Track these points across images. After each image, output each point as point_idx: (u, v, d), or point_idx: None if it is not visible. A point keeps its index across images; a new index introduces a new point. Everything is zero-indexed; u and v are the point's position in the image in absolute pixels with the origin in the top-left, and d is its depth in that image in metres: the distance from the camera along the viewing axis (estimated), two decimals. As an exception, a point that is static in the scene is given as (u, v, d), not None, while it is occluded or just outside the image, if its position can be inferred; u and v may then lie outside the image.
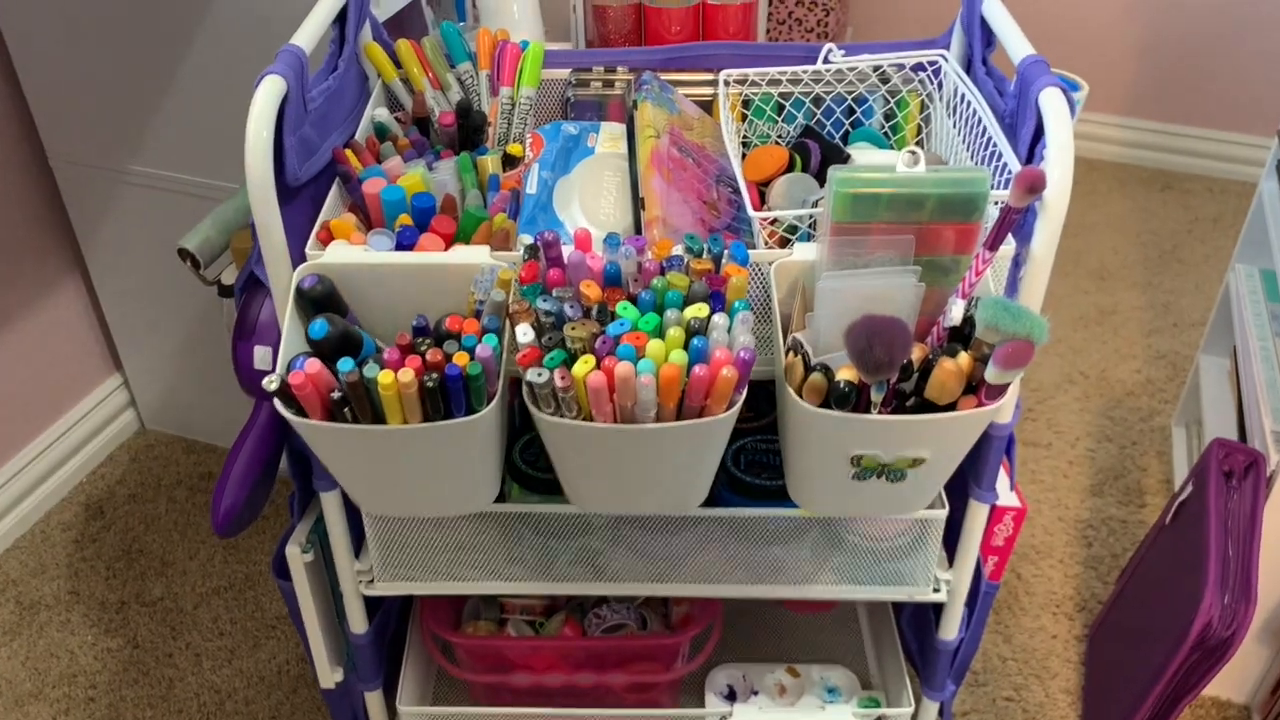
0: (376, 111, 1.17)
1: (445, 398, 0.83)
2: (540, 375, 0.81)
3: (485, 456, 0.93)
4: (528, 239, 0.94)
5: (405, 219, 0.99)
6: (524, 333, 0.83)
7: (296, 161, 1.01)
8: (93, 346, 1.90)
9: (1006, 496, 1.35)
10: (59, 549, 1.77)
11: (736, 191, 1.09)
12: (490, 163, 1.07)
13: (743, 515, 1.12)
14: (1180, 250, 2.50)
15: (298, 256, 0.98)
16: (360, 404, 0.82)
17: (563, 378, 0.81)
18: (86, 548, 1.77)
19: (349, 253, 0.94)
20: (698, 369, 0.81)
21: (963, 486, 1.09)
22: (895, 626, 1.40)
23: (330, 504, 1.11)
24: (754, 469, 1.18)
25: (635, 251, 0.88)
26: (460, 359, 0.82)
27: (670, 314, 0.85)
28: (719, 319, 0.85)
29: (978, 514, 1.11)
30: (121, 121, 1.58)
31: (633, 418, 0.84)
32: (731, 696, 1.38)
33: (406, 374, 0.80)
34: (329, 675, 1.26)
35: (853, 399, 0.83)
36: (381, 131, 1.15)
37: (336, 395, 0.82)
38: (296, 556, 1.17)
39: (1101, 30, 2.70)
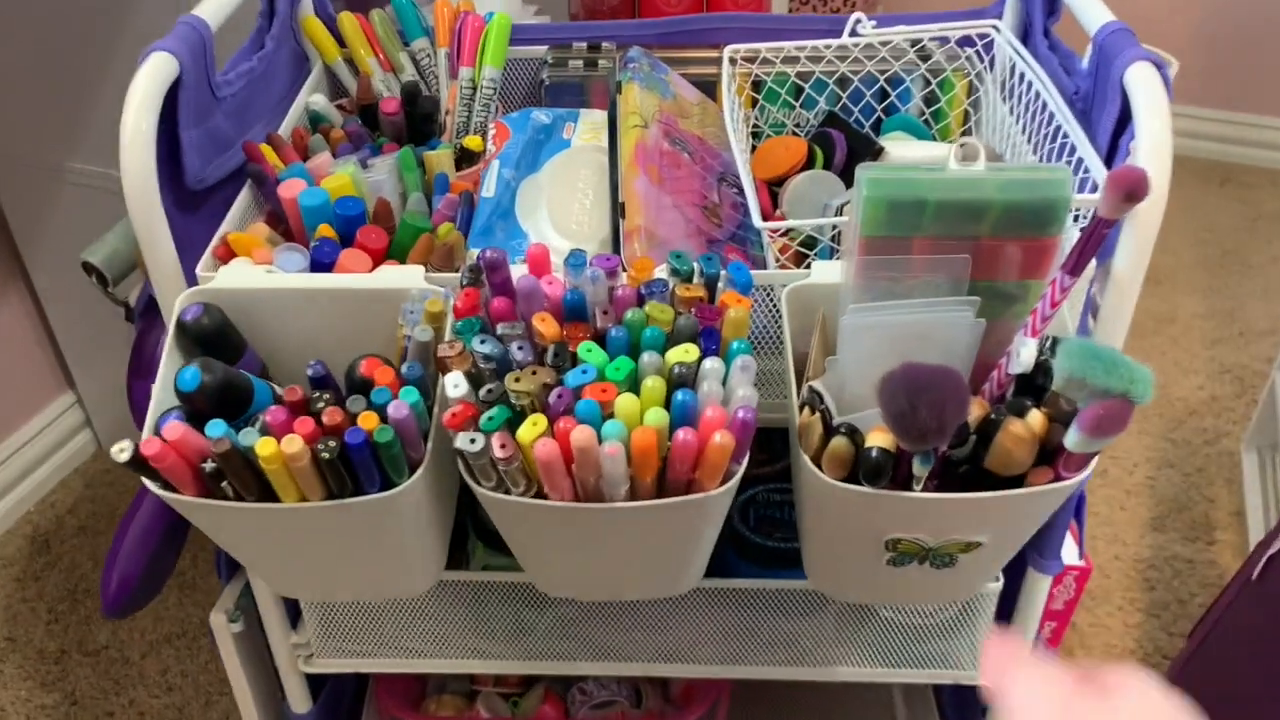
0: (312, 98, 0.98)
1: (350, 470, 0.64)
2: (474, 443, 0.61)
3: (418, 533, 0.73)
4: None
5: (326, 229, 0.79)
6: (454, 384, 0.62)
7: (198, 159, 0.83)
8: (41, 361, 1.73)
9: (1071, 557, 1.14)
10: (-2, 589, 1.60)
11: (743, 193, 0.89)
12: (439, 159, 0.87)
13: (753, 588, 0.92)
14: (1243, 250, 2.27)
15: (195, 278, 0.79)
16: (240, 477, 0.63)
17: (503, 445, 0.61)
18: (28, 587, 1.60)
19: (247, 274, 0.75)
20: (682, 434, 0.61)
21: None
22: (935, 705, 1.20)
23: (255, 570, 0.92)
24: (766, 526, 0.99)
25: (605, 275, 0.68)
26: (367, 421, 0.62)
27: (648, 358, 0.64)
28: (711, 365, 0.64)
29: (1038, 587, 0.92)
30: (58, 113, 1.44)
31: (598, 493, 0.64)
32: (741, 781, 1.19)
33: (294, 442, 0.60)
34: (268, 760, 1.09)
35: (888, 472, 0.63)
36: (316, 122, 0.96)
37: (209, 467, 0.62)
38: (223, 626, 1.00)
39: (1153, 9, 2.48)
